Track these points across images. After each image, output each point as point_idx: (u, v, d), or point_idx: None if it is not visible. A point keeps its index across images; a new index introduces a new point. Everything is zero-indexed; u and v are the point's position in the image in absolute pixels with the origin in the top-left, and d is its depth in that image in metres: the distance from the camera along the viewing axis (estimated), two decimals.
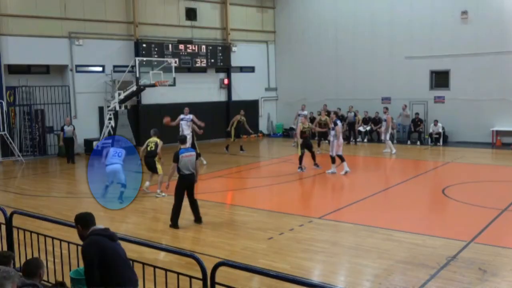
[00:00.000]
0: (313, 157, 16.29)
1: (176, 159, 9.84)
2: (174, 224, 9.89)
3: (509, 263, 7.65)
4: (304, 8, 26.81)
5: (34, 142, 20.60)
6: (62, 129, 18.91)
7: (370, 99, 24.48)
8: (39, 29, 20.03)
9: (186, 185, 9.92)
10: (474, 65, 21.70)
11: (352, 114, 23.76)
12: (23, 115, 20.41)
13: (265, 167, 18.20)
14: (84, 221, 4.92)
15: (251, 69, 27.48)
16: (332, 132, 15.54)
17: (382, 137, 20.68)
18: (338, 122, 15.60)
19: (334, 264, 7.96)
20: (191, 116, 16.86)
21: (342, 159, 15.29)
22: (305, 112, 22.75)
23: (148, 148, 13.07)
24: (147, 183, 13.36)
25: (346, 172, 15.13)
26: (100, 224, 5.01)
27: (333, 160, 15.33)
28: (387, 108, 21.21)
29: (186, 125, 16.70)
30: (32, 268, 4.51)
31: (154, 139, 13.17)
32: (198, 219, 10.11)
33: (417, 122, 22.87)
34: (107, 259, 4.70)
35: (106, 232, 4.89)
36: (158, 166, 13.00)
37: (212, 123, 24.27)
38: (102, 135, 21.28)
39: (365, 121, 24.24)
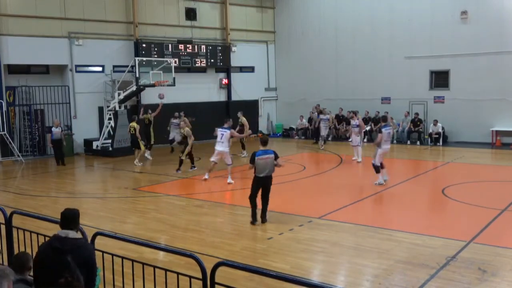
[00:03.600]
0: None
1: (252, 160, 9.81)
2: (252, 220, 10.03)
3: (508, 263, 7.65)
4: (304, 8, 26.81)
5: (33, 142, 20.60)
6: (50, 131, 18.64)
7: (370, 99, 24.50)
8: (39, 29, 20.03)
9: (260, 186, 9.93)
10: (474, 65, 21.71)
11: (315, 114, 23.81)
12: (23, 115, 20.41)
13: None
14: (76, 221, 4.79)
15: (251, 69, 27.49)
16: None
17: (354, 143, 18.35)
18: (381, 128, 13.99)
19: (334, 264, 7.96)
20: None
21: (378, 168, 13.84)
22: (327, 117, 22.35)
23: (130, 131, 17.88)
24: (136, 161, 17.79)
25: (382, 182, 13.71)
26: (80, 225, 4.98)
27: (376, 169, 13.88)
28: (355, 113, 19.48)
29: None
30: (20, 261, 4.57)
31: (133, 124, 17.86)
32: (262, 218, 10.09)
33: (416, 122, 22.87)
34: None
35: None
36: (141, 143, 17.81)
37: (212, 123, 24.28)
38: (102, 135, 21.29)
39: (365, 121, 24.21)
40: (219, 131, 14.64)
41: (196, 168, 16.48)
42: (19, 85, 20.21)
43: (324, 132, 22.11)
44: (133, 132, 17.78)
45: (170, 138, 20.38)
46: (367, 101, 24.43)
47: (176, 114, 20.12)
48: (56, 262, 4.32)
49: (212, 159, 14.68)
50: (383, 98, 24.48)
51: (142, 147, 17.94)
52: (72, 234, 4.56)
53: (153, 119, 19.55)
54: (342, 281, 7.30)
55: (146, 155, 18.98)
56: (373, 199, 12.26)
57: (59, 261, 4.31)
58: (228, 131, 14.54)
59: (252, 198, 10.03)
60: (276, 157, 9.91)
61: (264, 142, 10.15)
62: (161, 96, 19.65)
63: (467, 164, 17.34)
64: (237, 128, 19.75)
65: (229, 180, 14.47)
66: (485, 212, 10.56)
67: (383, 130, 13.85)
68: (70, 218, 4.67)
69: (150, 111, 19.60)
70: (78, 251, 4.43)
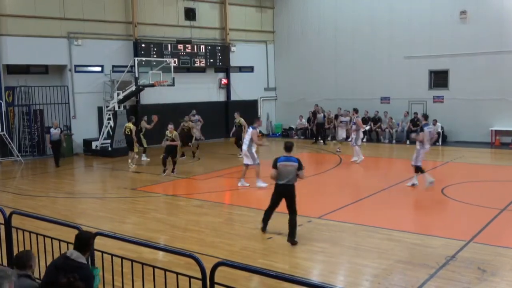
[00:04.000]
0: None
1: (274, 165, 8.99)
2: (262, 227, 9.43)
3: (508, 262, 7.65)
4: (304, 8, 26.81)
5: (33, 142, 20.57)
6: (49, 132, 18.54)
7: (370, 98, 24.50)
8: (38, 29, 20.00)
9: (280, 195, 9.04)
10: (473, 65, 21.72)
11: (322, 115, 23.74)
12: (22, 115, 20.39)
13: (264, 167, 18.09)
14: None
15: (250, 69, 27.49)
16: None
17: (352, 143, 17.73)
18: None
19: (333, 264, 7.96)
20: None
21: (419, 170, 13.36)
22: (347, 119, 21.36)
23: (126, 132, 17.50)
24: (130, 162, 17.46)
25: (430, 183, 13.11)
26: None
27: (418, 169, 13.37)
28: (356, 111, 18.33)
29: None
30: (23, 260, 4.71)
31: (129, 125, 17.47)
32: (289, 236, 8.77)
33: (416, 122, 22.84)
34: None
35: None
36: (135, 145, 17.35)
37: (212, 123, 24.32)
38: (101, 135, 21.27)
39: (364, 120, 24.21)
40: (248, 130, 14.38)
41: (165, 174, 15.83)
42: (18, 85, 20.19)
43: (342, 134, 21.24)
44: (129, 133, 17.42)
45: (197, 138, 19.42)
46: (366, 101, 24.42)
47: (194, 111, 19.63)
48: (54, 277, 4.58)
49: (244, 162, 14.12)
50: (382, 98, 24.49)
51: (135, 149, 17.51)
52: (76, 255, 4.79)
53: (144, 129, 18.61)
54: (342, 281, 7.30)
55: (142, 156, 18.71)
56: (373, 199, 12.26)
57: (55, 277, 4.55)
58: (250, 130, 14.09)
59: (267, 209, 9.27)
60: (300, 167, 8.87)
61: (288, 148, 9.17)
62: (154, 119, 18.51)
63: (466, 164, 17.34)
64: (234, 129, 19.70)
65: (242, 182, 13.94)
66: (484, 212, 10.56)
67: (425, 129, 13.36)
68: (81, 241, 4.98)
69: (146, 119, 18.89)
70: (76, 272, 4.59)
